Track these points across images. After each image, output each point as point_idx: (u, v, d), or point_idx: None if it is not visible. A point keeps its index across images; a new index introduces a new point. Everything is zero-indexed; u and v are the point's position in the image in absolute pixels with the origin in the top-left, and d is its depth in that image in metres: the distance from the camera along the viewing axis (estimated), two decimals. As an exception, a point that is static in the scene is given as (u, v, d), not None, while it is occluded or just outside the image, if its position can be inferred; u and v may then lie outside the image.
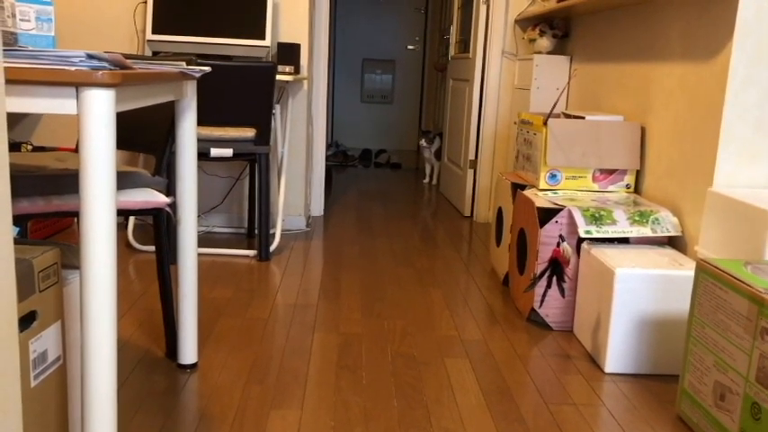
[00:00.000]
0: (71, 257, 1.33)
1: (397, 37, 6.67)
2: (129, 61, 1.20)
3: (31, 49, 1.05)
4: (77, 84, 1.05)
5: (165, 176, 1.91)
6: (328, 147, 6.13)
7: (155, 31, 3.00)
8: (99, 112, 1.07)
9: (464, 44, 4.27)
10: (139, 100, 1.28)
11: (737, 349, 1.46)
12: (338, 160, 5.97)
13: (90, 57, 1.06)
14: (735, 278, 1.48)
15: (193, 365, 1.85)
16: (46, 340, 1.17)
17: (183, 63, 1.53)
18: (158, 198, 1.72)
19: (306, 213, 3.51)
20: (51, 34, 1.54)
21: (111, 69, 1.07)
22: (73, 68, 1.04)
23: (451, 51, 4.65)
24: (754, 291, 1.41)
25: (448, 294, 2.56)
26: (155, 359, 1.89)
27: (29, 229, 2.87)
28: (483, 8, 3.75)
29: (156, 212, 1.77)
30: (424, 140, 4.93)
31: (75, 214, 1.57)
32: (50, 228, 3.07)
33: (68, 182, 1.58)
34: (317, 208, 3.81)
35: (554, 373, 1.92)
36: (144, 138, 2.02)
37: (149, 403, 1.65)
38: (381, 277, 2.73)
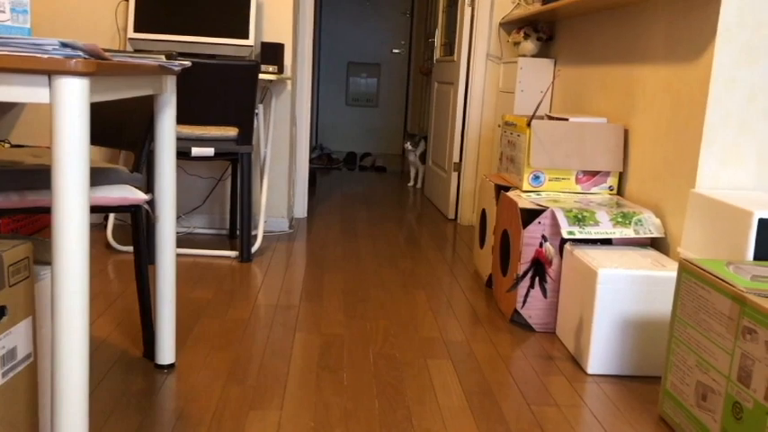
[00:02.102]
0: (44, 253, 1.30)
1: (382, 40, 6.66)
2: (107, 53, 1.18)
3: (1, 36, 1.02)
4: (50, 72, 1.02)
5: (145, 174, 1.88)
6: (313, 149, 6.10)
7: (136, 30, 2.97)
8: (72, 102, 1.04)
9: (449, 47, 4.27)
10: (116, 91, 1.26)
11: (719, 349, 1.46)
12: (323, 163, 5.95)
13: (64, 45, 1.03)
14: (717, 277, 1.48)
15: (171, 366, 1.82)
16: (15, 336, 1.14)
17: (163, 57, 1.51)
18: (136, 195, 1.69)
19: (289, 215, 3.48)
20: (27, 26, 1.50)
21: (85, 58, 1.05)
22: (45, 56, 1.01)
23: (436, 54, 4.65)
24: (737, 290, 1.41)
25: (431, 296, 2.55)
26: (132, 359, 1.85)
27: None
28: (468, 11, 3.75)
29: (133, 209, 1.74)
30: (409, 144, 4.92)
31: (50, 210, 1.54)
32: (31, 227, 3.02)
33: (43, 177, 1.55)
34: (301, 210, 3.78)
35: (536, 374, 1.91)
36: (124, 135, 1.98)
37: (125, 404, 1.62)
38: (365, 279, 2.71)
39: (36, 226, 3.08)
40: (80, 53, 1.05)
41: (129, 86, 1.34)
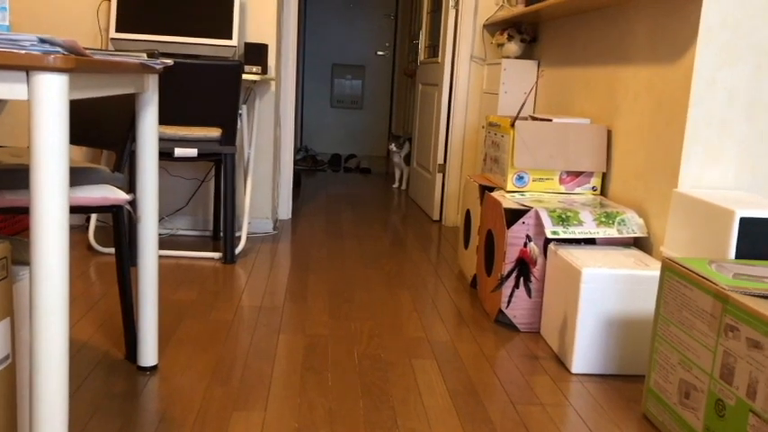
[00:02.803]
0: (23, 253, 1.28)
1: (366, 42, 6.66)
2: (87, 51, 1.16)
3: (-21, 31, 1.01)
4: (28, 67, 1.01)
5: (127, 174, 1.86)
6: (297, 151, 6.08)
7: (119, 29, 2.94)
8: (51, 98, 1.03)
9: (433, 49, 4.27)
10: (96, 89, 1.24)
11: (702, 346, 1.47)
12: (307, 165, 5.93)
13: (42, 41, 1.02)
14: (700, 276, 1.49)
15: (153, 368, 1.80)
16: (-7, 337, 1.12)
17: (144, 55, 1.49)
18: (117, 195, 1.67)
19: (273, 216, 3.47)
20: (5, 23, 1.48)
21: (64, 54, 1.03)
22: (23, 52, 0.99)
23: (421, 56, 4.65)
24: (719, 288, 1.42)
25: (416, 296, 2.54)
26: (114, 361, 1.83)
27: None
28: (452, 13, 3.76)
29: (115, 210, 1.72)
30: (393, 145, 4.92)
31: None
32: (11, 228, 2.98)
33: (22, 176, 1.53)
34: (285, 211, 3.76)
35: (521, 373, 1.91)
36: (105, 134, 1.96)
37: (107, 406, 1.59)
38: (349, 280, 2.70)
39: (17, 227, 3.04)
40: (59, 49, 1.04)
41: (109, 84, 1.32)
